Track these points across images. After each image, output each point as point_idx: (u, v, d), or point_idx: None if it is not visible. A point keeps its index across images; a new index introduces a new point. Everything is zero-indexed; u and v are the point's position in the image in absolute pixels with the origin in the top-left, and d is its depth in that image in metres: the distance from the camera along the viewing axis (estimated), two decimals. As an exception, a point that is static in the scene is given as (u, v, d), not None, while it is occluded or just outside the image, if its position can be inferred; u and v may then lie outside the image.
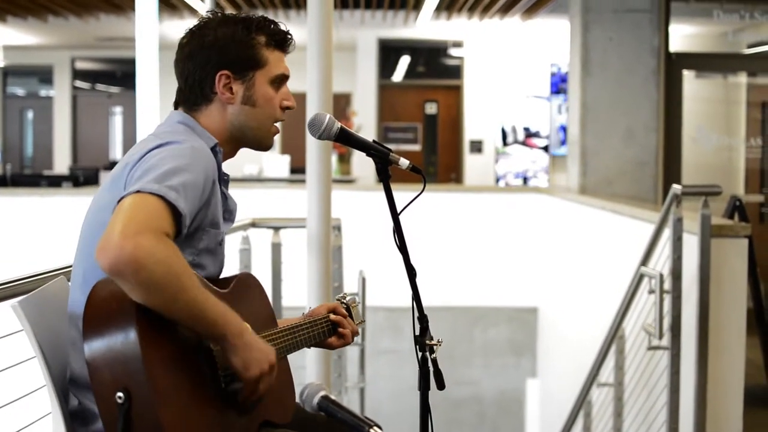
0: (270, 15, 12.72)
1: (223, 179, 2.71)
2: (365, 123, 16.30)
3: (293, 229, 6.11)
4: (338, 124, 2.71)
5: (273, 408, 2.61)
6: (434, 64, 17.56)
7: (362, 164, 15.91)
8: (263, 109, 2.72)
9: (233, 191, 8.34)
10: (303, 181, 5.39)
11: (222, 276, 2.72)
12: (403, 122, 17.27)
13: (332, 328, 3.00)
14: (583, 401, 7.38)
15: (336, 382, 6.28)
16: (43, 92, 20.47)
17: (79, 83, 19.76)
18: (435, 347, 2.80)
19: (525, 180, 16.74)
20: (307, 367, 5.34)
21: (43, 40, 17.60)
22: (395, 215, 2.73)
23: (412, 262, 2.76)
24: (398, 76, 17.49)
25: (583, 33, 10.16)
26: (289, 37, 2.79)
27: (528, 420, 12.37)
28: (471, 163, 16.90)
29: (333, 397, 2.02)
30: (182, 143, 2.46)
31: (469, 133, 16.88)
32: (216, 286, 2.57)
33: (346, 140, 2.72)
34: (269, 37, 2.72)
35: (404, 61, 17.44)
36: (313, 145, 5.15)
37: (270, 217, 6.26)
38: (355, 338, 6.02)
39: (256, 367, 2.35)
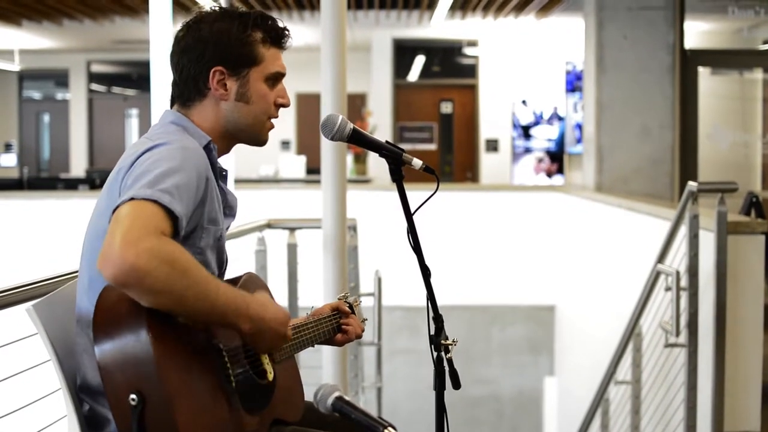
0: (284, 16, 12.81)
1: (221, 174, 2.70)
2: (380, 123, 16.29)
3: (309, 230, 6.11)
4: (351, 125, 2.71)
5: (283, 406, 2.62)
6: (449, 63, 17.54)
7: (378, 164, 15.90)
8: (257, 106, 2.69)
9: (249, 192, 8.43)
10: (319, 182, 5.40)
11: (228, 276, 2.72)
12: (418, 122, 17.25)
13: (338, 326, 3.00)
14: (600, 399, 7.37)
15: (353, 382, 6.29)
16: (59, 95, 20.52)
17: (94, 86, 19.81)
18: (450, 347, 2.79)
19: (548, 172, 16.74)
20: (323, 367, 5.34)
21: (59, 44, 17.65)
22: (409, 215, 2.72)
23: (428, 261, 2.76)
24: (413, 75, 17.47)
25: (598, 31, 10.15)
26: (287, 33, 2.75)
27: (546, 418, 12.36)
28: (487, 162, 16.87)
29: (347, 398, 2.01)
30: (172, 144, 2.45)
31: (485, 132, 16.86)
32: None
33: (359, 141, 2.72)
34: (266, 33, 2.69)
35: (419, 60, 17.43)
36: (327, 146, 5.15)
37: (285, 218, 6.27)
38: (372, 338, 6.05)
39: (266, 347, 2.45)
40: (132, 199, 2.22)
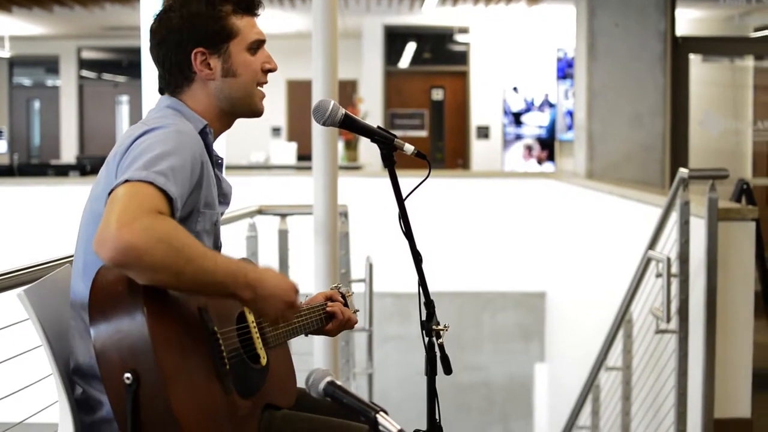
0: (275, 3, 12.76)
1: (217, 162, 2.72)
2: (372, 110, 16.28)
3: (300, 216, 6.11)
4: (343, 111, 2.72)
5: (276, 392, 2.63)
6: (440, 50, 17.52)
7: (369, 151, 15.90)
8: (244, 77, 2.71)
9: (240, 178, 8.43)
10: (310, 168, 5.39)
11: None
12: (409, 108, 17.25)
13: (328, 315, 3.00)
14: (591, 385, 7.39)
15: (344, 369, 6.30)
16: (49, 82, 20.48)
17: (85, 73, 19.76)
18: (442, 332, 2.80)
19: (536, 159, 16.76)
20: (314, 354, 5.34)
21: (49, 30, 17.61)
22: (401, 201, 2.73)
23: (419, 247, 2.77)
24: (404, 62, 17.46)
25: (589, 18, 10.15)
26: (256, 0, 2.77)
27: (536, 404, 12.39)
28: (478, 148, 16.88)
29: (339, 382, 2.01)
30: (167, 127, 2.46)
31: (476, 119, 16.86)
32: None
33: (351, 126, 2.73)
34: (235, 4, 2.70)
35: (410, 47, 17.41)
36: (319, 132, 5.15)
37: (277, 204, 6.26)
38: (363, 324, 6.06)
39: (273, 314, 2.42)
40: (127, 181, 2.24)
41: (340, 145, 16.15)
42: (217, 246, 2.69)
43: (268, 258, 6.06)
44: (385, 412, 1.98)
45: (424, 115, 17.29)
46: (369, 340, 7.30)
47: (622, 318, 6.64)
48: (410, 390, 12.22)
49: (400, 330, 12.09)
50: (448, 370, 2.88)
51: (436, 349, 2.82)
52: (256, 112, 2.78)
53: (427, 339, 2.79)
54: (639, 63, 10.11)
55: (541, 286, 11.88)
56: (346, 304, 3.06)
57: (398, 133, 16.70)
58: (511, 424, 12.64)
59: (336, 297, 3.04)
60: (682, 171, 5.51)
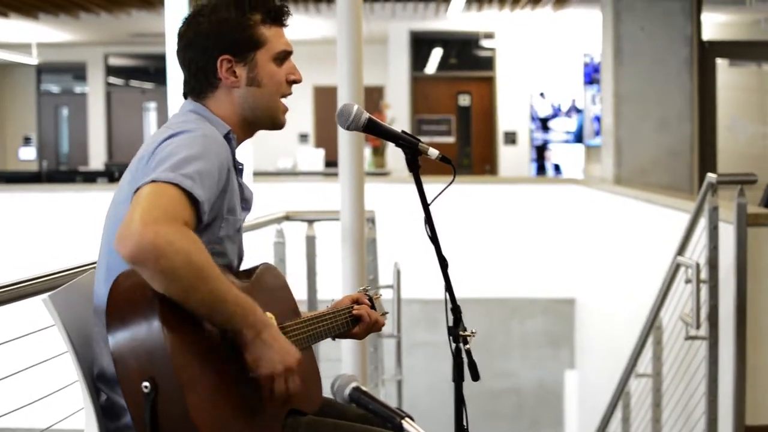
0: (300, 8, 12.77)
1: (238, 168, 2.69)
2: (398, 116, 16.27)
3: (327, 222, 6.10)
4: (366, 115, 2.70)
5: (300, 397, 2.59)
6: (467, 55, 17.49)
7: (396, 157, 15.89)
8: (269, 88, 2.69)
9: (267, 185, 8.44)
10: (337, 175, 5.38)
11: (244, 267, 2.72)
12: (436, 114, 17.23)
13: (355, 318, 2.97)
14: (621, 392, 7.34)
15: (372, 375, 6.27)
16: (77, 89, 20.57)
17: (112, 79, 19.84)
18: (469, 338, 2.77)
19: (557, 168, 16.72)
20: (342, 359, 5.34)
21: (76, 37, 17.68)
22: (426, 206, 2.72)
23: (446, 253, 2.75)
24: (431, 68, 17.44)
25: (615, 23, 10.10)
26: (285, 10, 2.75)
27: (567, 411, 12.33)
28: (505, 154, 16.84)
29: (365, 388, 2.00)
30: (194, 131, 2.45)
31: (503, 125, 16.82)
32: (237, 277, 2.57)
33: (375, 131, 2.71)
34: (264, 14, 2.68)
35: (437, 53, 17.39)
36: (345, 138, 5.14)
37: (304, 210, 6.25)
38: (392, 331, 6.05)
39: (267, 367, 2.33)
40: (154, 181, 2.23)
41: (368, 152, 16.16)
42: (240, 253, 2.68)
43: (295, 264, 6.05)
44: (411, 419, 1.96)
45: (451, 121, 17.26)
46: (398, 346, 7.29)
47: (652, 324, 6.60)
48: (439, 397, 12.19)
49: (429, 336, 12.07)
50: (475, 376, 2.86)
51: (464, 355, 2.78)
52: (277, 124, 2.76)
53: (454, 345, 2.75)
54: (665, 68, 10.06)
55: (571, 292, 11.83)
56: (373, 307, 3.03)
57: (425, 139, 16.66)
58: (541, 431, 12.59)
59: (363, 300, 3.02)
60: (711, 176, 5.47)
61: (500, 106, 16.81)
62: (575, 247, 11.43)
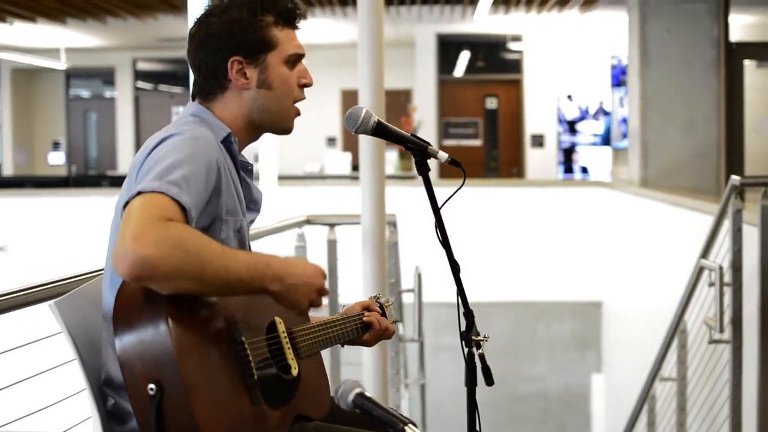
0: (327, 12, 12.77)
1: (246, 168, 2.68)
2: (426, 119, 16.27)
3: (349, 226, 6.08)
4: (375, 118, 2.68)
5: (307, 402, 2.58)
6: (494, 58, 17.47)
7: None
8: (280, 91, 2.65)
9: (294, 189, 8.44)
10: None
11: None
12: (463, 117, 17.21)
13: (367, 325, 2.95)
14: (646, 396, 7.30)
15: (394, 379, 6.26)
16: (106, 94, 20.66)
17: (141, 84, 19.92)
18: (482, 342, 2.75)
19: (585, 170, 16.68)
20: (363, 364, 5.31)
21: (105, 42, 17.76)
22: (436, 210, 2.70)
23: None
24: (458, 71, 17.42)
25: (641, 25, 10.06)
26: (298, 12, 2.71)
27: (594, 415, 12.28)
28: (532, 157, 16.80)
29: (368, 394, 1.98)
30: (183, 134, 2.43)
31: (530, 128, 16.79)
32: None
33: (384, 134, 2.69)
34: (276, 16, 2.65)
35: (464, 56, 17.37)
36: (366, 142, 5.13)
37: (325, 213, 6.24)
38: (413, 335, 6.03)
39: (304, 302, 2.36)
40: (140, 193, 2.21)
41: (394, 155, 16.17)
42: None
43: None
44: (414, 425, 1.95)
45: (479, 124, 17.24)
46: (420, 350, 7.27)
47: (676, 328, 6.55)
48: (464, 401, 12.15)
49: (454, 340, 11.92)
50: (489, 381, 2.84)
51: (476, 359, 2.77)
52: (285, 128, 2.73)
53: (466, 350, 2.73)
54: (692, 69, 10.01)
55: (598, 295, 11.79)
56: (384, 314, 3.01)
57: (452, 142, 16.83)
58: (568, 435, 12.57)
59: (373, 307, 3.00)
60: (734, 178, 5.42)
61: (527, 108, 16.78)
62: (602, 250, 11.39)
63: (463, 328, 2.81)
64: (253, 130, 2.70)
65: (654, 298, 8.90)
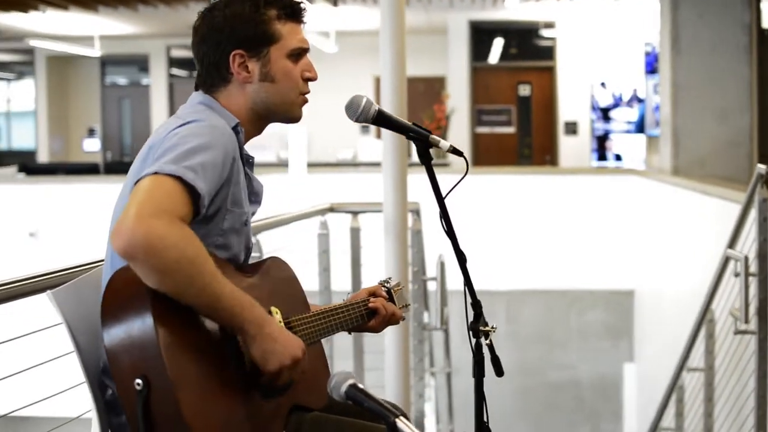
0: (359, 1, 12.71)
1: (248, 161, 2.67)
2: (458, 106, 16.23)
3: (373, 214, 6.07)
4: (376, 107, 2.67)
5: (305, 392, 2.57)
6: (527, 45, 17.40)
7: (458, 147, 15.86)
8: (283, 84, 2.64)
9: (327, 176, 8.47)
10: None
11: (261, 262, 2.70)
12: (496, 105, 17.16)
13: (372, 311, 2.92)
14: (674, 386, 7.25)
15: (417, 368, 6.23)
16: (140, 81, 20.74)
17: (175, 71, 19.99)
18: (490, 333, 2.73)
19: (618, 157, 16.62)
20: (386, 352, 5.30)
21: (138, 30, 17.84)
22: (440, 199, 2.68)
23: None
24: (491, 58, 17.36)
25: (672, 11, 9.98)
26: (302, 7, 2.70)
27: (626, 404, 12.25)
28: (566, 144, 16.73)
29: (361, 386, 1.97)
30: (202, 121, 2.43)
31: (564, 115, 16.71)
32: (243, 271, 2.55)
33: (385, 123, 2.68)
34: (280, 10, 2.64)
35: (496, 43, 17.32)
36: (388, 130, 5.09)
37: (348, 201, 6.23)
38: (436, 323, 6.01)
39: (276, 361, 2.30)
40: (156, 173, 2.21)
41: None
42: (248, 246, 2.64)
43: (340, 255, 6.03)
44: (406, 417, 1.94)
45: (511, 111, 17.19)
46: (446, 339, 7.25)
47: (703, 318, 6.50)
48: (495, 389, 12.08)
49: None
50: (499, 372, 2.82)
51: (484, 350, 2.75)
52: (292, 118, 2.72)
53: (474, 340, 2.71)
54: (723, 56, 9.92)
55: (630, 284, 11.74)
56: (391, 299, 2.98)
57: (485, 129, 16.79)
58: (600, 423, 12.52)
59: (380, 292, 2.97)
60: (760, 167, 5.35)
61: (561, 95, 16.71)
62: (635, 239, 11.34)
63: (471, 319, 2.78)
64: (258, 122, 2.69)
65: (685, 288, 8.85)
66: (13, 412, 3.01)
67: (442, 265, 6.05)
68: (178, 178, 2.21)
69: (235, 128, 2.56)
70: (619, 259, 11.62)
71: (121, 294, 2.22)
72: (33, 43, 17.56)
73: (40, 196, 12.13)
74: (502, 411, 12.32)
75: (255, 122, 2.68)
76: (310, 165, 13.92)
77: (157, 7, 14.59)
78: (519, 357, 12.25)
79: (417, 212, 6.22)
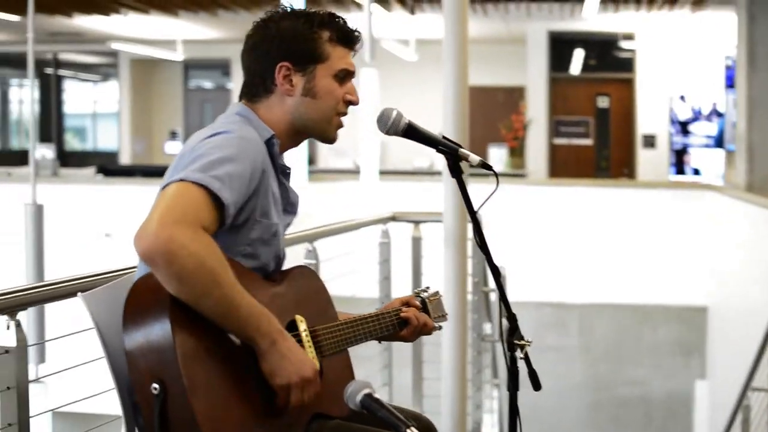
0: (437, 8, 12.74)
1: (285, 172, 2.69)
2: (536, 117, 16.20)
3: (434, 224, 6.06)
4: (406, 120, 2.68)
5: (329, 401, 2.58)
6: (606, 56, 17.29)
7: (537, 159, 15.87)
8: (324, 102, 2.67)
9: (407, 184, 8.50)
10: (475, 175, 5.31)
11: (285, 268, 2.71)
12: (574, 116, 17.06)
13: (402, 321, 2.93)
14: (739, 405, 7.16)
15: (475, 378, 6.22)
16: (223, 85, 20.95)
17: (255, 77, 20.11)
18: (525, 346, 2.72)
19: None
20: (443, 362, 5.28)
21: (220, 34, 17.99)
22: (473, 213, 2.69)
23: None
24: (570, 69, 17.27)
25: (749, 25, 9.88)
26: (356, 35, 2.73)
27: (696, 422, 12.10)
28: (644, 157, 16.59)
29: (376, 395, 1.99)
30: (232, 132, 2.46)
31: (642, 128, 16.57)
32: (270, 280, 2.57)
33: (415, 136, 2.69)
34: (333, 33, 2.67)
35: (575, 54, 17.23)
36: (449, 137, 5.07)
37: (410, 211, 6.24)
38: (494, 334, 5.99)
39: (284, 377, 2.33)
40: (182, 180, 2.26)
41: (504, 152, 16.12)
42: (278, 256, 2.66)
43: (400, 265, 6.03)
44: (417, 428, 1.95)
45: (589, 123, 17.09)
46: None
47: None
48: (566, 402, 12.09)
49: (558, 341, 11.97)
50: (536, 386, 2.81)
51: (524, 364, 2.74)
52: (327, 138, 2.74)
53: (509, 354, 2.71)
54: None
55: (704, 300, 11.61)
56: (425, 310, 2.99)
57: (562, 140, 16.74)
58: (670, 441, 12.40)
59: (413, 302, 2.98)
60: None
61: (639, 108, 16.56)
62: (710, 254, 11.21)
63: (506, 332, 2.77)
64: (295, 135, 2.72)
65: (758, 305, 8.73)
66: (62, 406, 3.07)
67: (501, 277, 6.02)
68: (204, 187, 2.25)
69: (269, 140, 2.60)
70: (693, 274, 11.51)
71: (143, 299, 2.26)
72: (115, 46, 17.83)
73: (116, 198, 12.29)
74: (572, 425, 12.26)
75: (291, 135, 2.71)
76: (386, 173, 13.95)
77: (237, 12, 14.73)
78: (590, 371, 12.18)
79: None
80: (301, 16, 2.68)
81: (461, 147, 2.66)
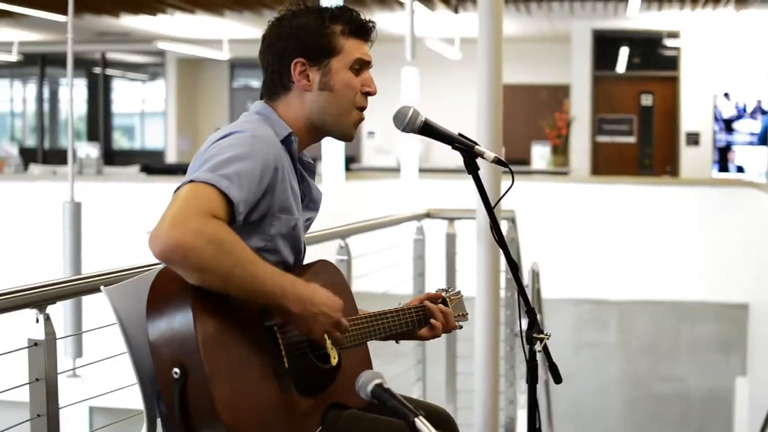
0: (469, 7, 12.74)
1: (308, 168, 2.77)
2: (580, 115, 16.18)
3: (468, 221, 6.11)
4: (422, 117, 2.73)
5: (345, 391, 2.64)
6: (650, 55, 17.21)
7: (580, 156, 15.85)
8: (342, 94, 2.72)
9: (443, 182, 8.55)
10: (510, 173, 5.34)
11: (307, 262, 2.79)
12: (617, 114, 17.02)
13: (424, 319, 2.97)
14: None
15: (508, 374, 6.27)
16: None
17: (298, 75, 20.19)
18: (544, 340, 2.78)
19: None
20: (475, 357, 5.32)
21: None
22: (490, 210, 2.75)
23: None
24: (614, 67, 17.24)
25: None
26: (369, 25, 2.77)
27: (736, 420, 12.07)
28: (687, 155, 16.52)
29: (387, 385, 2.06)
30: (245, 132, 2.53)
31: (686, 125, 16.50)
32: (291, 273, 2.60)
33: (431, 133, 2.74)
34: (346, 25, 2.72)
35: (620, 52, 17.18)
36: (483, 136, 5.13)
37: (445, 208, 6.29)
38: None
39: (319, 331, 2.44)
40: (192, 181, 2.34)
41: (547, 150, 16.12)
42: (299, 249, 2.73)
43: (435, 262, 6.09)
44: (426, 417, 2.01)
45: (633, 121, 17.04)
46: (544, 347, 7.23)
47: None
48: (605, 399, 12.10)
49: (597, 337, 11.99)
50: (558, 379, 2.86)
51: (544, 357, 2.80)
52: (345, 134, 2.80)
53: (528, 348, 2.76)
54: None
55: (744, 297, 11.58)
56: (447, 307, 3.03)
57: (605, 138, 16.74)
58: (708, 438, 12.38)
59: (434, 299, 3.03)
60: None
61: (683, 106, 16.48)
62: (752, 252, 11.18)
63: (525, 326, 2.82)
64: (314, 131, 2.77)
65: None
66: (87, 399, 3.15)
67: (534, 274, 6.08)
68: (214, 186, 2.33)
69: (287, 137, 2.66)
70: (734, 271, 11.49)
71: (165, 289, 2.34)
72: (162, 45, 17.97)
73: (157, 196, 12.37)
74: (610, 421, 12.25)
75: (311, 131, 2.76)
76: (430, 171, 13.98)
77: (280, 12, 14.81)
78: (629, 367, 12.18)
79: (512, 220, 6.25)
80: (313, 11, 2.72)
81: (477, 144, 2.72)
